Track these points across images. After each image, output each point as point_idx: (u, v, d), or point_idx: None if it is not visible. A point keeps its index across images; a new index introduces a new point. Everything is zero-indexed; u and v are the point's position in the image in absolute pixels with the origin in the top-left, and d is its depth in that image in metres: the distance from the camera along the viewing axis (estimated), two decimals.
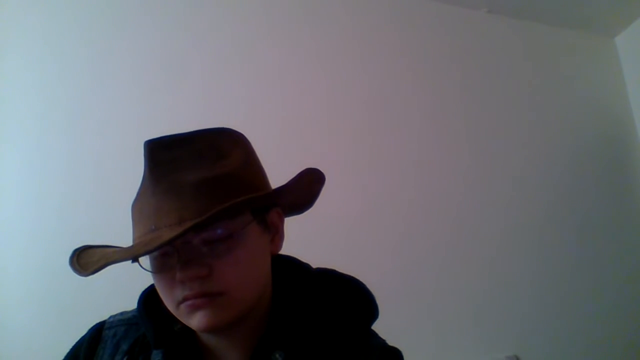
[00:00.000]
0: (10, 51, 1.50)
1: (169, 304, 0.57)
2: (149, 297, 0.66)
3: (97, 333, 0.67)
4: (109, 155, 1.48)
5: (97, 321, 0.70)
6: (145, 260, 0.57)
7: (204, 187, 0.55)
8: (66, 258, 1.35)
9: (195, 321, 0.54)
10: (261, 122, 1.62)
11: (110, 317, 0.69)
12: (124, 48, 1.61)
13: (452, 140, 1.95)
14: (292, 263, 0.69)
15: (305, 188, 0.68)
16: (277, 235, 0.64)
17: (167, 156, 0.56)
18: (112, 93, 1.55)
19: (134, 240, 0.57)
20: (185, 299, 0.54)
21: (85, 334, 0.68)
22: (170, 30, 1.68)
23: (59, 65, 1.53)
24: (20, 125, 1.45)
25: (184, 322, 0.57)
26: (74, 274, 0.56)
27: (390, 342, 0.67)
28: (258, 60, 1.75)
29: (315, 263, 0.72)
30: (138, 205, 0.57)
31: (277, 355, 0.59)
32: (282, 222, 0.66)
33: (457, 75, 2.06)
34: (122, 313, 0.70)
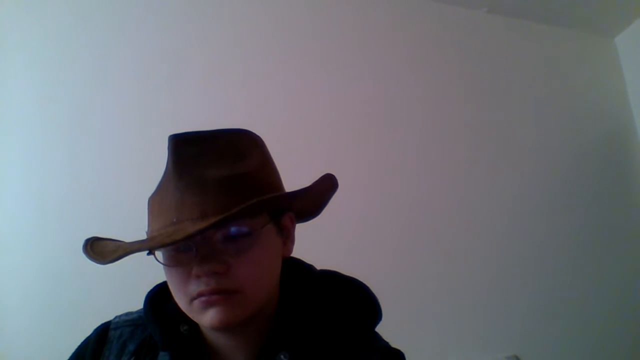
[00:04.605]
0: (11, 50, 1.50)
1: (180, 299, 0.57)
2: (154, 298, 0.66)
3: (102, 333, 0.67)
4: (110, 155, 1.48)
5: (98, 323, 0.70)
6: (158, 254, 0.57)
7: (227, 184, 0.55)
8: (67, 259, 1.35)
9: (208, 318, 0.54)
10: (262, 122, 1.61)
11: (116, 317, 0.70)
12: (125, 46, 1.60)
13: (453, 140, 1.96)
14: (298, 265, 0.70)
15: (319, 195, 0.69)
16: (288, 239, 0.65)
17: (190, 151, 0.57)
18: (113, 92, 1.55)
19: (150, 232, 0.58)
20: (199, 295, 0.54)
21: (91, 334, 0.68)
22: (172, 29, 1.68)
23: (60, 64, 1.53)
24: (21, 125, 1.45)
25: (195, 319, 0.57)
26: (92, 262, 0.57)
27: (391, 341, 0.68)
28: (259, 59, 1.75)
29: (317, 263, 0.72)
30: (158, 198, 0.58)
31: (282, 356, 0.59)
32: (294, 226, 0.67)
33: (457, 75, 2.06)
34: (127, 313, 0.70)
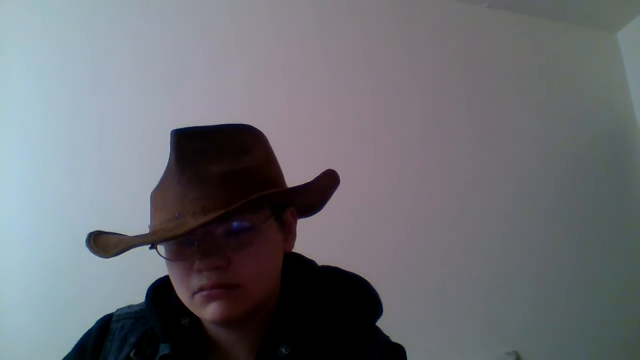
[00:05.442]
0: (12, 49, 1.49)
1: (182, 293, 0.58)
2: (157, 291, 0.67)
3: (105, 326, 0.68)
4: (110, 153, 1.48)
5: (98, 319, 0.70)
6: (161, 249, 0.58)
7: (229, 179, 0.56)
8: (67, 257, 1.35)
9: (210, 312, 0.55)
10: (263, 121, 1.61)
11: (118, 310, 0.70)
12: (126, 45, 1.60)
13: (454, 136, 1.95)
14: (299, 260, 0.70)
15: (321, 190, 0.69)
16: (290, 235, 0.66)
17: (193, 147, 0.57)
18: (114, 91, 1.55)
19: (153, 227, 0.58)
20: (201, 289, 0.55)
21: (93, 327, 0.69)
22: (173, 27, 1.68)
23: (61, 63, 1.53)
24: (21, 124, 1.45)
25: (197, 313, 0.58)
26: (94, 256, 0.57)
27: (392, 338, 0.68)
28: (260, 58, 1.75)
29: (318, 259, 0.73)
30: (160, 193, 0.58)
31: (284, 350, 0.59)
32: (296, 222, 0.67)
33: (458, 70, 2.06)
34: (129, 307, 0.70)
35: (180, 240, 0.56)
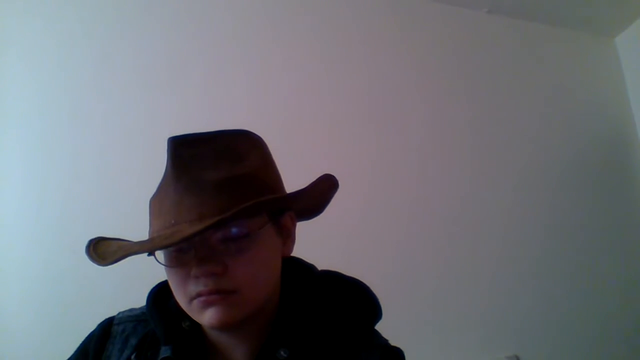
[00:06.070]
0: (13, 50, 1.50)
1: (181, 299, 0.58)
2: (157, 295, 0.67)
3: (106, 328, 0.68)
4: (111, 155, 1.49)
5: (98, 322, 0.70)
6: (159, 255, 0.58)
7: (224, 185, 0.56)
8: (67, 259, 1.36)
9: (207, 317, 0.55)
10: (263, 122, 1.62)
11: (119, 313, 0.71)
12: (126, 47, 1.61)
13: (453, 140, 1.96)
14: (299, 264, 0.71)
15: (319, 194, 0.69)
16: (289, 238, 0.66)
17: (189, 153, 0.58)
18: (114, 93, 1.55)
19: (151, 233, 0.59)
20: (198, 295, 0.55)
21: (95, 330, 0.69)
22: (173, 28, 1.68)
23: (62, 64, 1.53)
24: (21, 126, 1.45)
25: (195, 318, 0.58)
26: (93, 263, 0.58)
27: (391, 341, 0.68)
28: (260, 59, 1.75)
29: (317, 263, 0.73)
30: (157, 200, 0.59)
31: (282, 352, 0.60)
32: (295, 226, 0.68)
33: (456, 75, 2.07)
34: (130, 310, 0.71)
35: (178, 247, 0.56)
